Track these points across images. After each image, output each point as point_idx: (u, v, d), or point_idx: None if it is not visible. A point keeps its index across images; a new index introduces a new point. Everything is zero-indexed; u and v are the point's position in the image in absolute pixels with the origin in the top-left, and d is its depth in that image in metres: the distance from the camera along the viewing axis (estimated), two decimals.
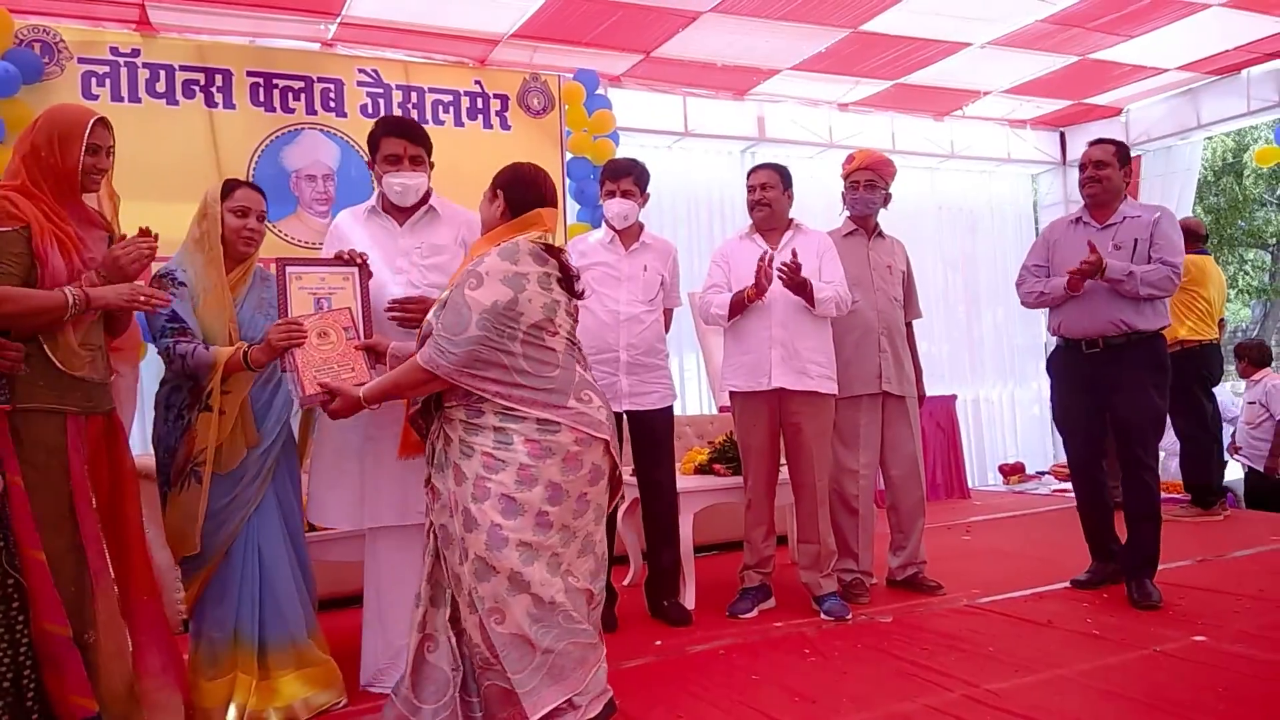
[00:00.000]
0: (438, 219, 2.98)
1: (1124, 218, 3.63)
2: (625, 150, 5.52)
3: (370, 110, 5.21)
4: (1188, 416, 5.31)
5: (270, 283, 2.84)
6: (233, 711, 2.60)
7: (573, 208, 5.71)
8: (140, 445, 4.35)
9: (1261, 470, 6.01)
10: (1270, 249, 17.17)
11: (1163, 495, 3.79)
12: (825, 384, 3.57)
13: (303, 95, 5.11)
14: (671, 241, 3.86)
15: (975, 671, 2.83)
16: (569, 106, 5.70)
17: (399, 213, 2.96)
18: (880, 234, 3.97)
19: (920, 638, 3.22)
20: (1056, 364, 3.85)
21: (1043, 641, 3.13)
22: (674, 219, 6.50)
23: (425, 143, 2.94)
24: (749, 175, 3.74)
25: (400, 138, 2.89)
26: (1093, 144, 3.73)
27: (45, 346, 2.29)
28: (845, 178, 3.96)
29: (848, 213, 3.98)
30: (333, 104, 5.19)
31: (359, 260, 2.78)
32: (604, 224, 3.69)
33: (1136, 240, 3.55)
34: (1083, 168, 3.72)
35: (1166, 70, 6.67)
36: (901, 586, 3.89)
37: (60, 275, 2.31)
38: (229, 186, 2.77)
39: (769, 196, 3.65)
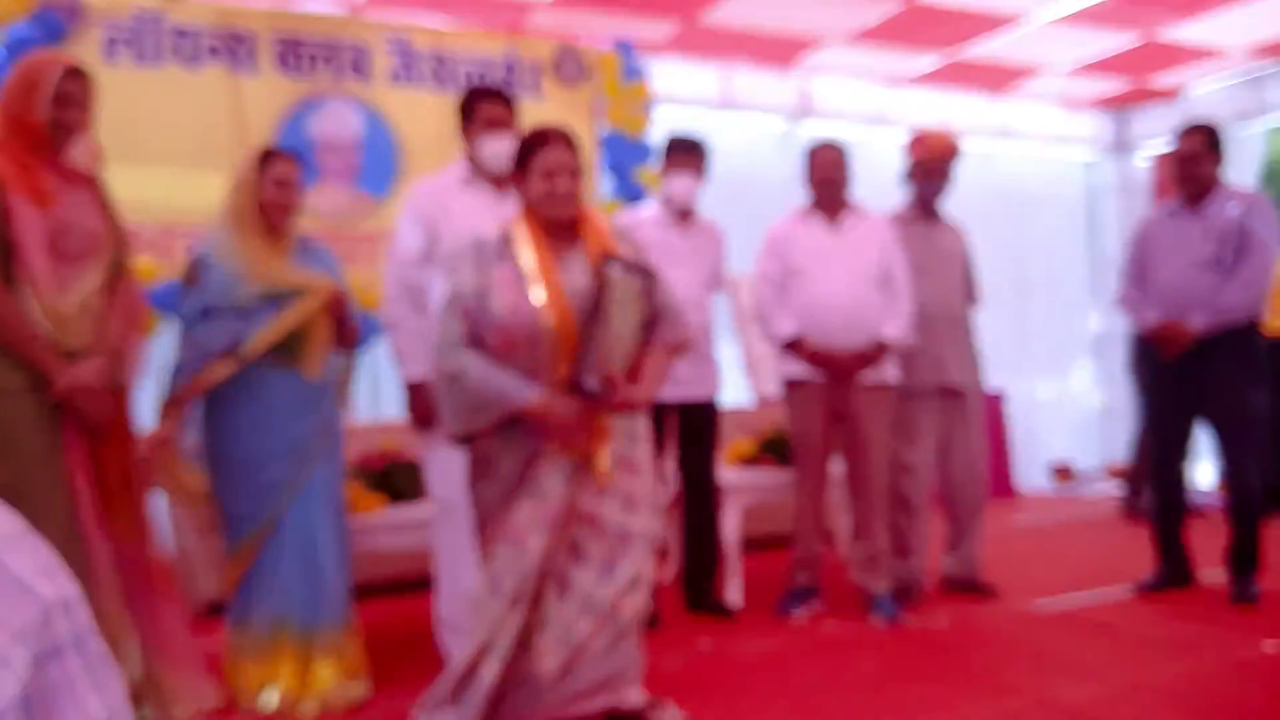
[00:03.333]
0: None
1: (1218, 205, 3.46)
2: (662, 123, 5.30)
3: (399, 78, 5.01)
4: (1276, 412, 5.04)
5: (312, 252, 2.75)
6: (276, 697, 2.53)
7: (606, 182, 5.49)
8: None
9: None
10: None
11: None
12: (888, 374, 3.39)
13: (329, 62, 4.92)
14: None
15: (1043, 679, 2.67)
16: (605, 77, 5.48)
17: (495, 182, 2.84)
18: (942, 218, 3.75)
19: (979, 643, 3.07)
20: (1140, 360, 3.66)
21: (1110, 648, 2.97)
22: (710, 193, 6.27)
23: (517, 111, 2.89)
24: (828, 151, 3.49)
25: (501, 103, 2.83)
26: (1183, 135, 3.53)
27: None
28: (919, 162, 3.69)
29: (910, 195, 3.75)
30: (360, 72, 4.99)
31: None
32: (659, 201, 3.51)
33: (1227, 229, 3.41)
34: (1182, 160, 3.54)
35: (1231, 54, 6.35)
36: (955, 589, 3.69)
37: (35, 229, 2.17)
38: (268, 157, 2.65)
39: (837, 177, 3.44)
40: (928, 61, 6.35)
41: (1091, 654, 2.89)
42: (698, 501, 3.49)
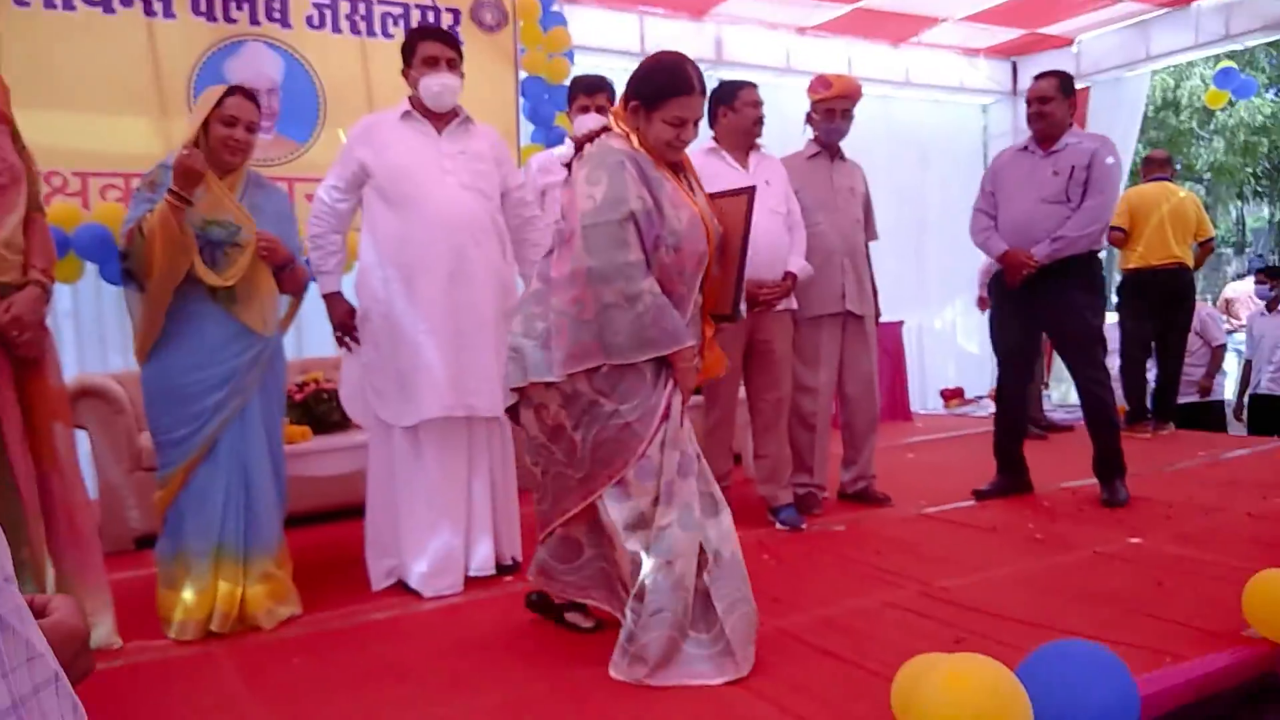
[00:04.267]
0: (474, 129, 3.06)
1: (1066, 145, 3.81)
2: (581, 70, 5.43)
3: (316, 22, 5.02)
4: (1124, 339, 5.56)
5: (266, 190, 2.85)
6: (217, 621, 2.62)
7: (526, 128, 5.61)
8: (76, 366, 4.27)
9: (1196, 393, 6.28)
10: (1204, 182, 17.64)
11: None
12: (791, 302, 3.66)
13: (246, 6, 4.90)
14: None
15: (927, 571, 2.97)
16: (523, 23, 5.55)
17: (434, 118, 2.99)
18: (843, 157, 4.00)
19: (873, 543, 3.36)
20: (996, 288, 4.02)
21: (989, 545, 3.29)
22: None
23: (460, 49, 3.00)
24: (753, 91, 3.68)
25: (438, 41, 2.96)
26: (1037, 78, 3.91)
27: None
28: (820, 103, 3.90)
29: (811, 135, 3.99)
30: (278, 15, 4.97)
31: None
32: (569, 141, 3.64)
33: (1074, 168, 3.75)
34: (1029, 103, 3.89)
35: (1119, 1, 6.73)
36: (853, 499, 4.03)
37: None
38: (225, 93, 2.69)
39: (762, 116, 3.65)
40: (832, 10, 6.58)
41: (973, 551, 3.19)
42: None
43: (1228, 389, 6.88)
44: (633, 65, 6.34)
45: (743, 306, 2.38)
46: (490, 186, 3.05)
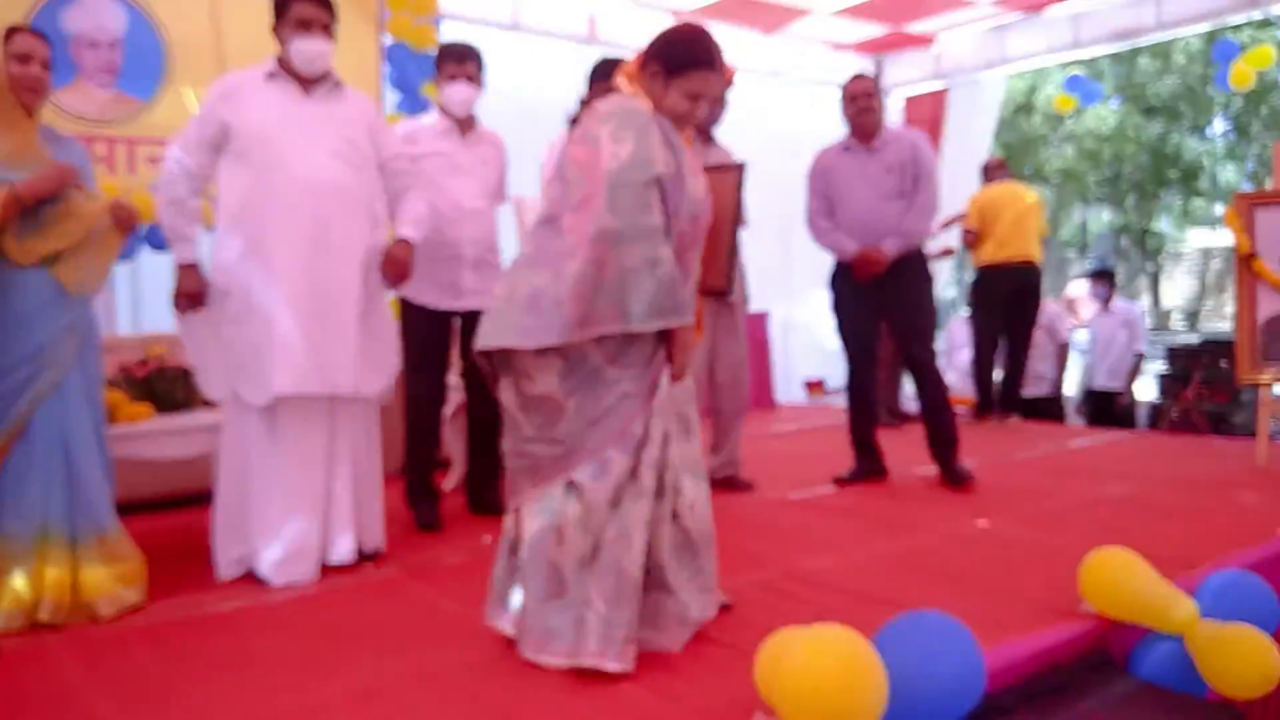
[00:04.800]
0: (345, 93, 2.92)
1: (886, 142, 3.98)
2: (449, 38, 5.28)
3: None
4: (975, 333, 5.83)
5: (62, 142, 2.66)
6: (47, 610, 2.46)
7: (391, 96, 5.42)
8: None
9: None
10: (1054, 186, 18.74)
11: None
12: None
13: None
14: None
15: (790, 553, 3.03)
16: None
17: (302, 81, 2.84)
18: (715, 141, 4.01)
19: (738, 526, 3.40)
20: (838, 281, 4.14)
21: (848, 528, 3.38)
22: (497, 117, 6.30)
23: (334, 13, 2.86)
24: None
25: (313, 3, 2.80)
26: (856, 79, 4.04)
27: None
28: None
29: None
30: None
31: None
32: (438, 110, 3.53)
33: (902, 162, 3.92)
34: (855, 98, 4.00)
35: (977, 4, 7.02)
36: (719, 485, 4.04)
37: None
38: (8, 32, 2.51)
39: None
40: None
41: (833, 533, 3.28)
42: (482, 409, 3.58)
43: (1068, 384, 7.31)
44: (501, 38, 6.37)
45: (733, 281, 2.41)
46: (359, 155, 2.90)
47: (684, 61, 2.19)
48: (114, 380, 3.22)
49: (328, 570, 2.87)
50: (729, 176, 2.52)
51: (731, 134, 4.12)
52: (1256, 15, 7.25)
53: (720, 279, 2.46)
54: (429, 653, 2.23)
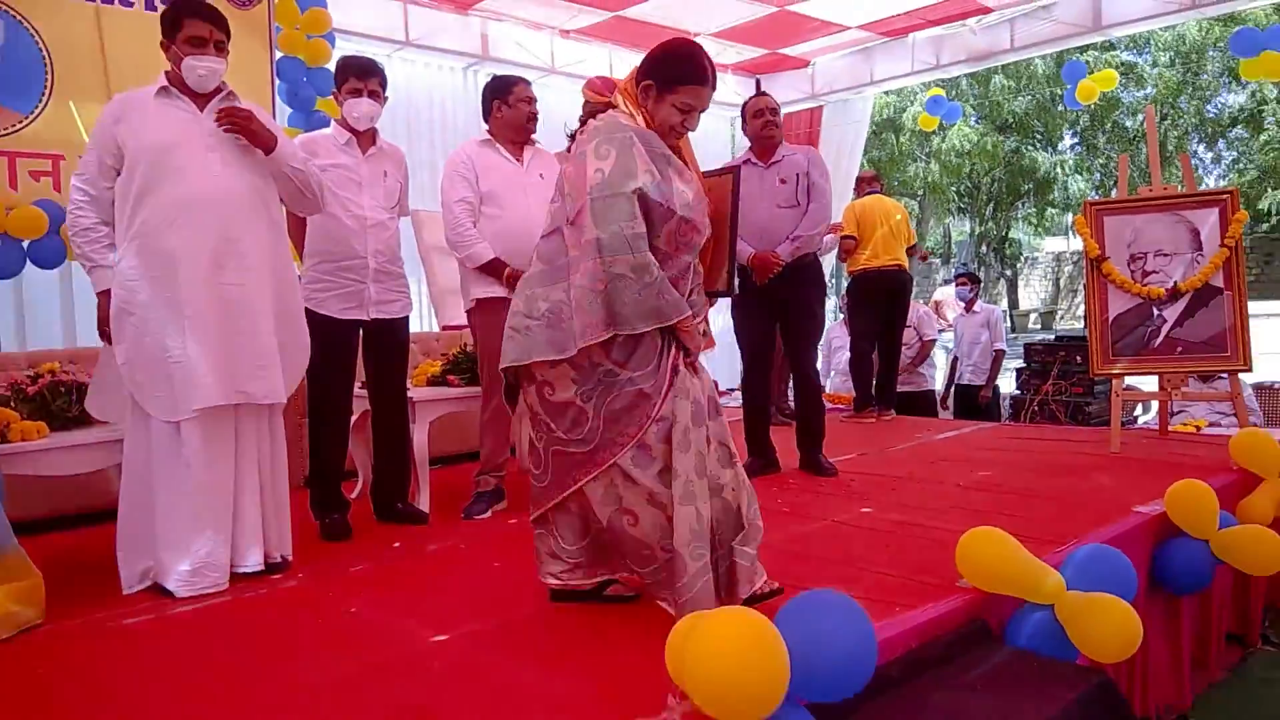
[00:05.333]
0: (238, 105, 2.91)
1: (783, 157, 4.26)
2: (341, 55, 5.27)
3: None
4: (852, 334, 6.18)
5: None
6: None
7: (282, 110, 5.37)
8: None
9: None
10: (919, 198, 19.67)
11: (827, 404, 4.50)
12: None
13: None
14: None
15: None
16: (279, 0, 5.33)
17: (195, 95, 2.84)
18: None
19: None
20: (739, 288, 4.33)
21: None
22: (391, 133, 6.30)
23: (228, 30, 2.87)
24: (526, 87, 3.76)
25: (207, 21, 2.81)
26: (762, 94, 4.30)
27: None
28: (608, 104, 4.03)
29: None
30: None
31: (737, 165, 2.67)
32: (335, 124, 3.56)
33: (797, 175, 4.20)
34: (760, 114, 4.31)
35: (848, 28, 7.40)
36: None
37: None
38: None
39: (536, 113, 3.74)
40: (593, 16, 6.78)
41: None
42: (389, 416, 3.64)
43: (937, 380, 7.76)
44: (394, 53, 6.38)
45: (735, 281, 2.51)
46: (258, 163, 2.92)
47: (676, 76, 2.31)
48: (5, 397, 3.13)
49: (236, 580, 2.87)
50: (724, 181, 2.65)
51: None
52: (1099, 39, 7.89)
53: (722, 280, 2.55)
54: (342, 660, 2.26)
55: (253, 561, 2.91)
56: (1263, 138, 16.52)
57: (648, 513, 2.30)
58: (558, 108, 7.11)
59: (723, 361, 8.61)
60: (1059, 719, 2.06)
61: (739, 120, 9.05)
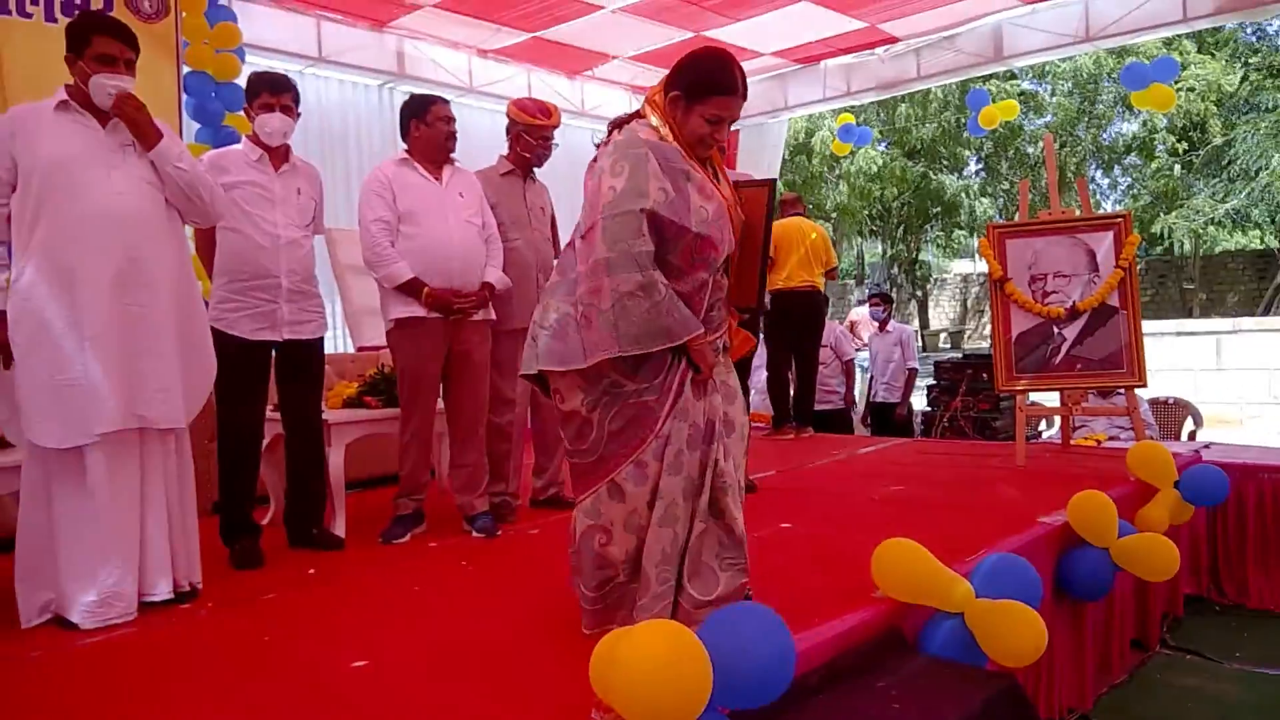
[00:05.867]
0: None
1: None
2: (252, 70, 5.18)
3: None
4: (769, 353, 6.28)
5: None
6: None
7: (190, 126, 5.25)
8: None
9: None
10: (831, 221, 20.14)
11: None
12: (489, 312, 3.77)
13: None
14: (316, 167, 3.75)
15: None
16: (186, 14, 5.21)
17: (97, 111, 2.75)
18: (533, 177, 4.17)
19: (563, 543, 3.45)
20: None
21: None
22: (304, 150, 6.21)
23: (138, 48, 2.81)
24: (445, 107, 3.73)
25: (118, 39, 2.74)
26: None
27: None
28: (537, 129, 4.04)
29: (505, 154, 4.11)
30: None
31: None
32: (246, 140, 3.50)
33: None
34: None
35: (762, 55, 7.58)
36: (545, 505, 4.18)
37: None
38: None
39: (454, 132, 3.72)
40: (512, 36, 6.80)
41: None
42: (303, 439, 3.56)
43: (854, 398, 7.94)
44: (307, 70, 6.29)
45: (766, 297, 2.46)
46: (157, 177, 2.84)
47: (703, 88, 2.24)
48: None
49: (144, 610, 2.77)
50: (759, 192, 2.60)
51: (542, 173, 4.29)
52: (1001, 69, 8.24)
53: (752, 296, 2.48)
54: (257, 690, 2.20)
55: (162, 590, 2.81)
56: (1154, 165, 17.41)
57: (621, 535, 2.29)
58: (476, 127, 7.12)
59: None
60: None
61: None
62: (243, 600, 2.93)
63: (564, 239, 4.35)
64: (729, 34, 6.98)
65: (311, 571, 3.25)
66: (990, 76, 13.83)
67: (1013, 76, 16.23)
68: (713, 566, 2.32)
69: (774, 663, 1.94)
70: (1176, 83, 13.43)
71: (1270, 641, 3.98)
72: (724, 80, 2.24)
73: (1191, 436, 6.20)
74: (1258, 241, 16.85)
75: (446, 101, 3.78)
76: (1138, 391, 4.86)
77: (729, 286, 2.44)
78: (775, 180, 2.52)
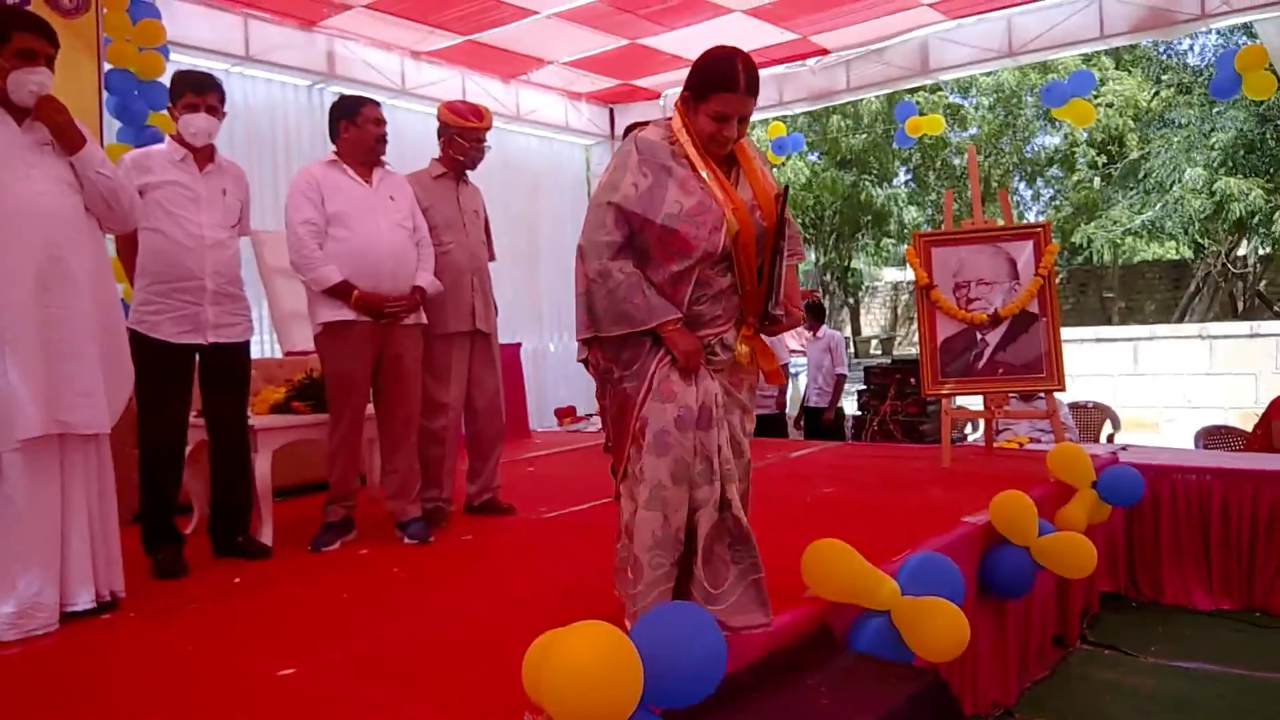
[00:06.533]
0: None
1: None
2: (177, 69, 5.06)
3: None
4: None
5: None
6: None
7: (111, 125, 5.10)
8: None
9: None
10: None
11: None
12: (420, 316, 3.73)
13: None
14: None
15: (552, 566, 3.21)
16: (108, 10, 5.07)
17: (13, 109, 2.67)
18: (466, 180, 4.14)
19: (500, 549, 3.52)
20: None
21: (602, 540, 3.56)
22: (230, 151, 6.08)
23: (58, 44, 2.74)
24: (376, 109, 3.68)
25: (39, 34, 2.68)
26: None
27: None
28: (470, 131, 4.02)
29: (438, 156, 4.09)
30: None
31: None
32: (170, 140, 3.41)
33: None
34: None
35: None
36: (479, 511, 4.15)
37: None
38: None
39: (384, 134, 3.68)
40: (446, 39, 6.76)
41: (587, 546, 3.45)
42: (229, 445, 3.48)
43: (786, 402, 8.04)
44: (234, 69, 6.18)
45: (778, 312, 2.38)
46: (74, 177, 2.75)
47: (706, 85, 2.25)
48: None
49: (65, 621, 2.68)
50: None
51: (477, 176, 4.27)
52: (927, 82, 8.46)
53: (758, 309, 2.38)
54: (181, 699, 2.15)
55: (83, 600, 2.73)
56: (1075, 177, 18.00)
57: (625, 503, 2.39)
58: (409, 130, 7.06)
59: (581, 385, 8.67)
60: (893, 717, 2.18)
61: (596, 149, 9.21)
62: (166, 610, 2.85)
63: (498, 242, 4.40)
64: (663, 42, 7.04)
65: (237, 580, 3.17)
66: (918, 89, 14.16)
67: (939, 89, 16.65)
68: (726, 559, 2.34)
69: (705, 661, 1.96)
70: (1096, 98, 13.96)
71: (1183, 636, 4.14)
72: (726, 77, 2.24)
73: (1110, 439, 6.42)
74: (1174, 252, 17.54)
75: (377, 103, 3.74)
76: (1057, 395, 5.02)
77: (746, 290, 2.37)
78: (786, 188, 2.40)
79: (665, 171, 2.27)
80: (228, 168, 3.52)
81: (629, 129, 2.48)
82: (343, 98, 3.83)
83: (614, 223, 2.26)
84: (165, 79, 4.98)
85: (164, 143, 3.49)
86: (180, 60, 5.40)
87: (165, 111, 3.98)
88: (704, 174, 2.28)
